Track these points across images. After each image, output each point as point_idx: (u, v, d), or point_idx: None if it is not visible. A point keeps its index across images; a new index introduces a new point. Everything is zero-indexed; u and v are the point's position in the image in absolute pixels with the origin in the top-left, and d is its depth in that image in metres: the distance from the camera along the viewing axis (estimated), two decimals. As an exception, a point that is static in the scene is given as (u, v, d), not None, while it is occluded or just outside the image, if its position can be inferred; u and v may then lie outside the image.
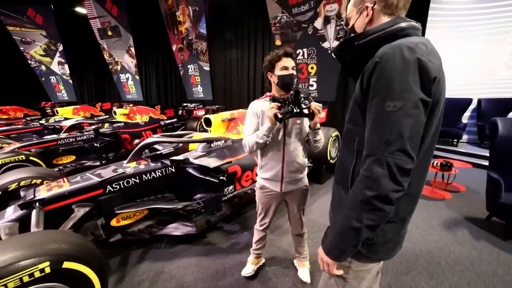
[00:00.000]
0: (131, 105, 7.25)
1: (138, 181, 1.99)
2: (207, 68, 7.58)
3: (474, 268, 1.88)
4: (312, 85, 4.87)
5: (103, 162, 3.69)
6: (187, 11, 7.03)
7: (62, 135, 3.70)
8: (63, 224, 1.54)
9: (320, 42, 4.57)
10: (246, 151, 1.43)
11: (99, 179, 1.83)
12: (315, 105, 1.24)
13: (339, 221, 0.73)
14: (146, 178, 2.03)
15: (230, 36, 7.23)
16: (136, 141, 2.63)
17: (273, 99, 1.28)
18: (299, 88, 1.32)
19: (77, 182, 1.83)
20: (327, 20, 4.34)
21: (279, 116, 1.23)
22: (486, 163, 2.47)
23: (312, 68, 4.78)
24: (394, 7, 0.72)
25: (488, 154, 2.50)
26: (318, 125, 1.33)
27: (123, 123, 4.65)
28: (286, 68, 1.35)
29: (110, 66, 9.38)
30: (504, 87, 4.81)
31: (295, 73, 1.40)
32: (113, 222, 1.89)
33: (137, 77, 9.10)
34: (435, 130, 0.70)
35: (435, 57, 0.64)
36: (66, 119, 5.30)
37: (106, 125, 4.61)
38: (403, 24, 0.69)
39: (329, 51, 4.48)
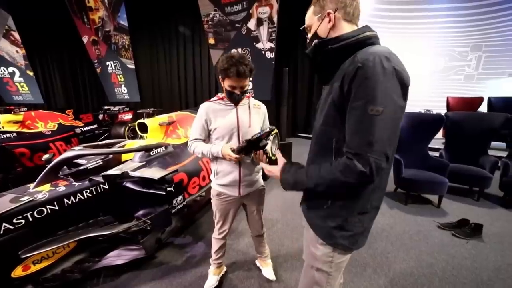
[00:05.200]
0: (25, 109, 5.63)
1: (57, 208, 1.56)
2: (131, 66, 6.67)
3: (393, 231, 2.37)
4: (248, 85, 5.00)
5: None
6: (100, -3, 5.99)
7: None
8: None
9: (254, 43, 4.72)
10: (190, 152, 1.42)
11: None
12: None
13: (304, 174, 0.83)
14: (70, 203, 1.61)
15: (157, 31, 6.57)
16: (45, 156, 2.05)
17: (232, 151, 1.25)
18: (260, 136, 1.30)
19: None
20: (260, 22, 4.51)
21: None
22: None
23: (247, 68, 4.90)
24: (351, 15, 0.79)
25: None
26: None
27: (14, 134, 3.58)
28: (233, 87, 1.30)
29: (-29, 53, 7.02)
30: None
31: (248, 87, 1.37)
32: (18, 272, 1.41)
33: (30, 73, 7.17)
34: (400, 129, 0.79)
35: (404, 66, 0.72)
36: None
37: None
38: (369, 33, 0.76)
39: (263, 52, 4.69)
